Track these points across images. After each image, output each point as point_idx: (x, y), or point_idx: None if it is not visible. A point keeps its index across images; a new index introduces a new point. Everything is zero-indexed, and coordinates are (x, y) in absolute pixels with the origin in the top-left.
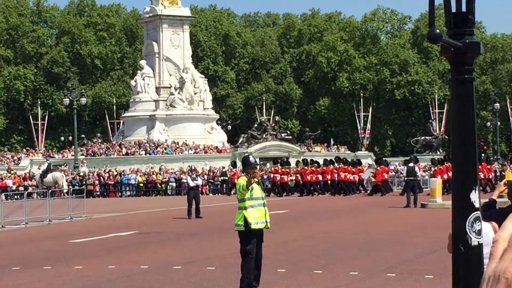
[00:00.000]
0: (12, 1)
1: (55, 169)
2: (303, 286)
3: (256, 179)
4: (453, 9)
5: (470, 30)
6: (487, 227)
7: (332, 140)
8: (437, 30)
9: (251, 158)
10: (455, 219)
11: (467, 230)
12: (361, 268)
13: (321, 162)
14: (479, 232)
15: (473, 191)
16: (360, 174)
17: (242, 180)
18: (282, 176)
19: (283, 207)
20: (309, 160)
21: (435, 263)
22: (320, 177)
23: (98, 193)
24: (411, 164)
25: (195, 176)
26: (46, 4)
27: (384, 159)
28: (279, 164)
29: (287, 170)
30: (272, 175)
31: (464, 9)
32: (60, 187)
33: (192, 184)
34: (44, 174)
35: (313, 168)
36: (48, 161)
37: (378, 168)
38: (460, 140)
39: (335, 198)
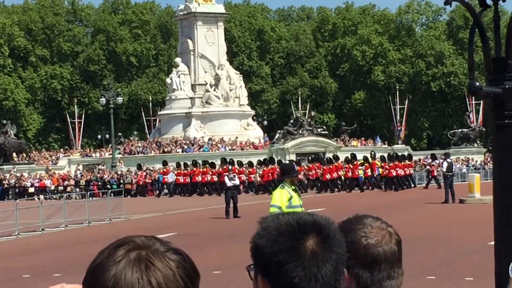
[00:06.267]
0: (48, 0)
1: None
2: None
3: (293, 187)
4: (493, 55)
5: (510, 76)
6: None
7: (378, 137)
8: (477, 83)
9: (295, 166)
10: (498, 264)
11: (510, 274)
12: None
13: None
14: None
15: None
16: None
17: (283, 195)
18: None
19: (319, 204)
20: (201, 161)
21: (476, 264)
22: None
23: (135, 191)
24: (449, 160)
25: (232, 176)
26: (81, 3)
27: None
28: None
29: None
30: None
31: (503, 54)
32: None
33: (229, 184)
34: None
35: (204, 169)
36: None
37: (265, 168)
38: (501, 185)
39: (374, 194)
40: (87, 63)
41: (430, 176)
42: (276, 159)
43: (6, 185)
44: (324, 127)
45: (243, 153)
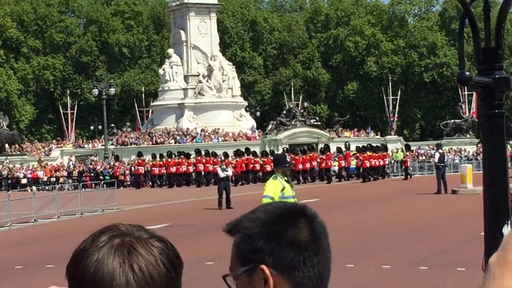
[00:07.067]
0: None
1: None
2: (334, 281)
3: (286, 178)
4: (483, 45)
5: (500, 65)
6: None
7: (370, 127)
8: (467, 73)
9: (288, 157)
10: (488, 255)
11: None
12: (393, 261)
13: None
14: None
15: (506, 225)
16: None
17: (276, 186)
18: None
19: (312, 195)
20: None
21: (467, 255)
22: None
23: (129, 183)
24: (441, 150)
25: (225, 167)
26: None
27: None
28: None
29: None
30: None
31: (493, 44)
32: None
33: (222, 175)
34: None
35: (179, 160)
36: None
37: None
38: (491, 175)
39: (365, 185)
40: (79, 54)
41: (404, 167)
42: (251, 150)
43: None
44: (317, 118)
45: (236, 144)
